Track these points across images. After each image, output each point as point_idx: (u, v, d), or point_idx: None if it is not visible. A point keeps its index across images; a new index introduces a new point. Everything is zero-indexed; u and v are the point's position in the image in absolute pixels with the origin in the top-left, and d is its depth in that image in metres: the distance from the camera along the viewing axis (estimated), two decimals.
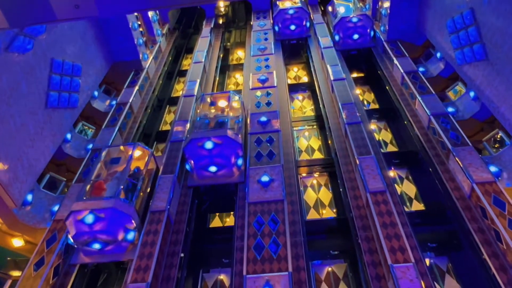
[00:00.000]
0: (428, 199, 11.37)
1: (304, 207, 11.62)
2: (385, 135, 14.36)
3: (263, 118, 12.76)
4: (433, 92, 13.20)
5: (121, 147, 12.08)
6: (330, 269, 10.19)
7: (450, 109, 13.27)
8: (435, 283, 8.35)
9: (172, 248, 9.81)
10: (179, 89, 19.24)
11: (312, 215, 11.73)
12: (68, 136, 13.87)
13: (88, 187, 10.28)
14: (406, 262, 7.97)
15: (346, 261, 10.24)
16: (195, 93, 15.26)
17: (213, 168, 11.26)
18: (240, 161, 11.33)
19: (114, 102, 15.96)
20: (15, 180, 10.33)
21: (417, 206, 11.39)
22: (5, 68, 10.75)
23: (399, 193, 11.09)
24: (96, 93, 16.61)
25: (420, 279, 7.63)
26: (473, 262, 9.24)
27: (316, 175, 12.85)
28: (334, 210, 11.69)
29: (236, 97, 13.62)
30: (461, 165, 9.98)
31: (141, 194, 10.76)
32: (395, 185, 11.22)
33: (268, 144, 11.76)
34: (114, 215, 9.34)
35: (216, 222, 12.36)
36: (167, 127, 16.37)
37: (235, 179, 11.37)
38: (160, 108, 17.71)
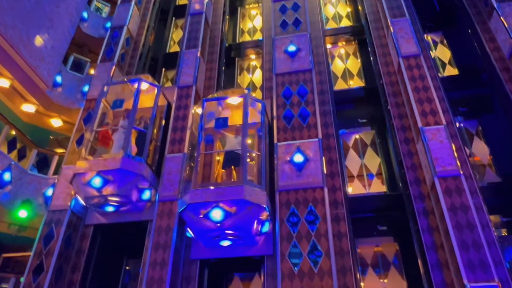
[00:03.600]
0: (462, 63, 10.86)
1: (332, 78, 11.39)
2: None
3: None
4: None
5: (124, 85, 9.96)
6: (358, 136, 10.41)
7: None
8: (465, 147, 8.47)
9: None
10: None
11: (339, 85, 11.57)
12: (85, 14, 13.40)
13: (91, 137, 8.92)
14: (437, 124, 7.97)
15: (374, 128, 10.37)
16: None
17: (225, 243, 7.81)
18: (266, 227, 7.68)
19: None
20: (42, 61, 10.37)
21: (451, 71, 10.96)
22: None
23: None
24: None
25: (450, 141, 7.71)
26: (504, 124, 9.19)
27: (344, 44, 12.27)
28: (363, 80, 11.44)
29: (254, 102, 9.06)
30: (505, 23, 9.22)
31: (153, 142, 9.34)
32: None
33: (294, 12, 11.03)
34: (124, 176, 8.09)
35: None
36: (184, 1, 15.45)
37: (258, 250, 7.83)
38: None
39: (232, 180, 8.37)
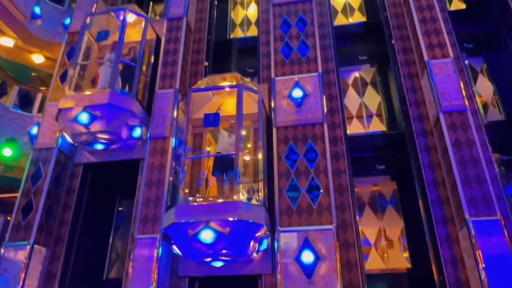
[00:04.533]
0: None
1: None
2: None
3: None
4: None
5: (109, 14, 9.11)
6: (357, 74, 9.99)
7: None
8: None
9: (195, 56, 9.51)
10: None
11: (339, 20, 10.94)
12: None
13: (75, 72, 8.30)
14: (444, 57, 7.54)
15: (374, 66, 9.94)
16: None
17: (218, 264, 6.76)
18: (264, 245, 6.71)
19: None
20: None
21: (457, 5, 10.35)
22: None
23: None
24: None
25: (458, 75, 7.33)
26: (511, 61, 8.81)
27: None
28: (364, 16, 10.80)
29: (251, 93, 7.64)
30: None
31: (143, 77, 8.74)
32: None
33: None
34: (112, 112, 7.62)
35: (237, 33, 11.72)
36: None
37: (255, 269, 6.86)
38: None
39: (225, 190, 7.35)
